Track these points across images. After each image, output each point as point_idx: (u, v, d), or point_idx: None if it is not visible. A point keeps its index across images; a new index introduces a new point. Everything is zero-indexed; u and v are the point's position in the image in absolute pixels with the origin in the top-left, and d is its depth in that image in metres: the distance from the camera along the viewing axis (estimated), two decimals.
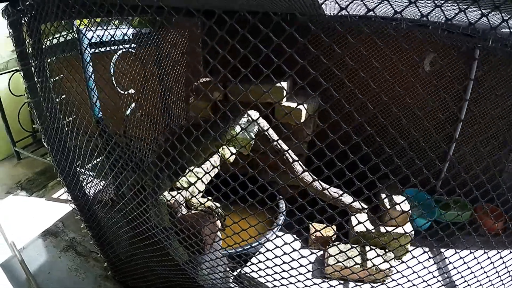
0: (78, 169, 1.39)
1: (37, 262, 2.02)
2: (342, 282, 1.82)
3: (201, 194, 1.31)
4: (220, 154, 1.62)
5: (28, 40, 1.25)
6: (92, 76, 1.61)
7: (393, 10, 0.64)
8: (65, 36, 1.26)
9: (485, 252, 0.96)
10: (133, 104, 2.19)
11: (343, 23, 1.97)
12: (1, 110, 3.05)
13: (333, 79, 2.20)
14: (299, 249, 0.91)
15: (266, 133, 1.79)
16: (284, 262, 0.93)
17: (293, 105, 1.98)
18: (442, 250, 1.93)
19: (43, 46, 1.28)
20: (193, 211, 1.22)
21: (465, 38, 2.00)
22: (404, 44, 2.12)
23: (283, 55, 0.67)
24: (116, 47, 2.07)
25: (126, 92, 2.11)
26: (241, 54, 0.66)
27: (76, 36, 1.65)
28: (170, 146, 0.86)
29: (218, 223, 1.31)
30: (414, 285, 0.95)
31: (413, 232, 1.96)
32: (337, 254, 1.87)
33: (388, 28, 2.01)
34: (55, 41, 1.29)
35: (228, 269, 1.47)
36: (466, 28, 1.88)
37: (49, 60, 1.34)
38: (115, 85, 2.06)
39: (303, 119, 2.01)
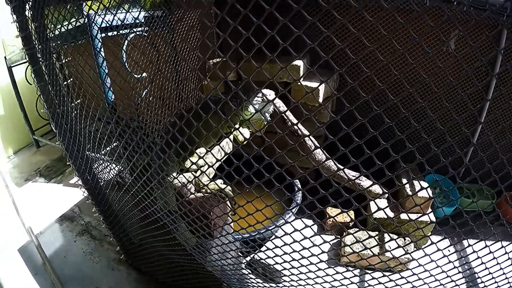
0: (86, 152, 1.37)
1: (53, 247, 2.05)
2: (357, 269, 1.75)
3: (209, 174, 1.26)
4: (233, 137, 1.56)
5: (31, 25, 1.22)
6: (103, 60, 1.58)
7: None
8: (71, 21, 1.22)
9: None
10: (145, 90, 2.17)
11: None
12: (19, 100, 3.11)
13: (355, 54, 2.09)
14: (313, 235, 0.85)
15: (284, 114, 1.72)
16: (295, 241, 0.87)
17: (311, 84, 1.88)
18: (463, 239, 1.83)
19: (48, 30, 1.24)
20: (200, 193, 1.18)
21: (493, 16, 1.83)
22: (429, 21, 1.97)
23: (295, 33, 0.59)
24: (127, 30, 2.03)
25: (139, 76, 2.09)
26: (268, 35, 0.59)
27: (81, 20, 1.62)
28: (174, 126, 0.81)
29: (228, 204, 1.27)
30: (432, 275, 0.87)
31: (434, 219, 1.86)
32: (350, 236, 1.80)
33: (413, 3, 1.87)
34: (62, 24, 1.25)
35: (240, 254, 1.43)
36: (494, 4, 1.72)
37: (54, 44, 1.31)
38: (128, 69, 2.03)
39: (320, 99, 1.92)
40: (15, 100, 3.10)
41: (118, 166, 1.20)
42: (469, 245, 0.84)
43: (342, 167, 0.72)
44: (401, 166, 0.73)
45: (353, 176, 1.68)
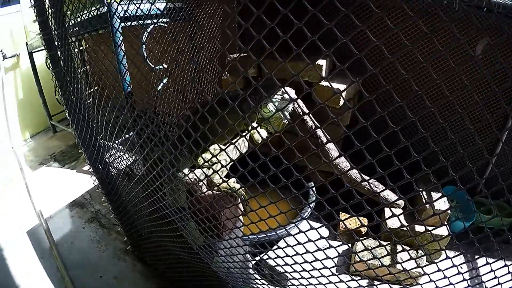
0: (99, 140, 1.35)
1: (61, 232, 2.07)
2: (367, 280, 1.69)
3: (222, 173, 1.22)
4: (249, 135, 1.52)
5: (49, 10, 1.21)
6: (122, 49, 1.57)
7: None
8: (91, 10, 1.20)
9: None
10: (165, 80, 2.15)
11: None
12: (39, 85, 3.16)
13: (377, 58, 2.02)
14: (325, 247, 0.80)
15: (308, 115, 1.66)
16: (308, 251, 0.82)
17: (334, 85, 1.82)
18: (478, 257, 1.73)
19: (65, 17, 1.22)
20: (213, 192, 1.14)
21: None
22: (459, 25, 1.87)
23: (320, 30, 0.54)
24: (148, 21, 2.02)
25: (157, 67, 2.07)
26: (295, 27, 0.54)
27: (102, 8, 1.60)
28: (189, 121, 0.77)
29: (241, 206, 1.23)
30: None
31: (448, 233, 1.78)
32: (363, 251, 1.74)
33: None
34: (81, 12, 1.23)
35: (248, 256, 1.39)
36: None
37: (72, 31, 1.29)
38: (147, 60, 2.01)
39: (341, 102, 1.85)
40: (35, 85, 3.14)
41: (129, 157, 1.18)
42: (487, 264, 0.78)
43: (368, 178, 0.66)
44: (419, 178, 0.68)
45: (376, 187, 1.62)
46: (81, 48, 1.41)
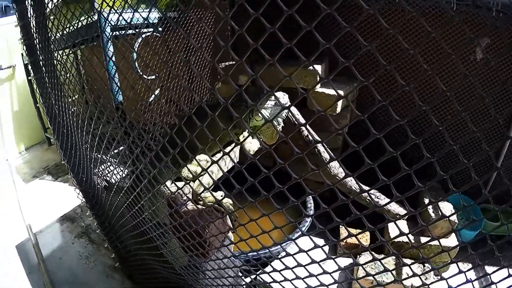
0: (82, 150, 1.28)
1: (50, 246, 1.98)
2: None
3: (209, 184, 1.13)
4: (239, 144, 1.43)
5: (31, 14, 1.15)
6: (113, 59, 1.51)
7: None
8: (81, 18, 1.15)
9: None
10: (157, 91, 2.09)
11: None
12: (34, 97, 3.12)
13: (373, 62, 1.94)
14: (324, 259, 0.70)
15: (305, 127, 1.58)
16: (310, 274, 0.73)
17: (328, 91, 1.73)
18: (487, 267, 1.63)
19: (47, 21, 1.17)
20: (196, 206, 1.05)
21: None
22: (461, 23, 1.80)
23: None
24: (140, 30, 1.97)
25: (149, 77, 2.01)
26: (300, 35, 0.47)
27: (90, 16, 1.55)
28: (174, 130, 0.70)
29: (229, 222, 1.14)
30: None
31: (457, 243, 1.67)
32: (367, 264, 1.63)
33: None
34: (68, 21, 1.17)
35: (240, 274, 1.29)
36: None
37: (55, 36, 1.23)
38: (138, 70, 1.96)
39: (338, 109, 1.77)
40: (30, 97, 3.10)
41: (112, 168, 1.10)
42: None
43: (367, 188, 0.57)
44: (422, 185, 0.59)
45: (378, 198, 1.52)
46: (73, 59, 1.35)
